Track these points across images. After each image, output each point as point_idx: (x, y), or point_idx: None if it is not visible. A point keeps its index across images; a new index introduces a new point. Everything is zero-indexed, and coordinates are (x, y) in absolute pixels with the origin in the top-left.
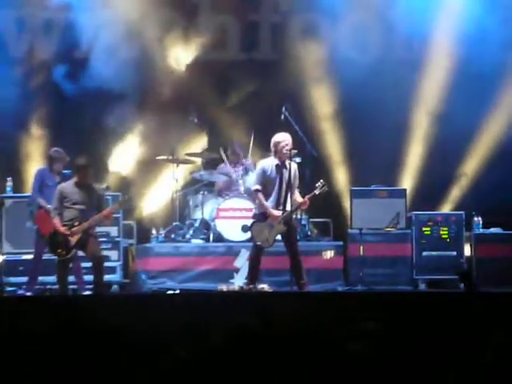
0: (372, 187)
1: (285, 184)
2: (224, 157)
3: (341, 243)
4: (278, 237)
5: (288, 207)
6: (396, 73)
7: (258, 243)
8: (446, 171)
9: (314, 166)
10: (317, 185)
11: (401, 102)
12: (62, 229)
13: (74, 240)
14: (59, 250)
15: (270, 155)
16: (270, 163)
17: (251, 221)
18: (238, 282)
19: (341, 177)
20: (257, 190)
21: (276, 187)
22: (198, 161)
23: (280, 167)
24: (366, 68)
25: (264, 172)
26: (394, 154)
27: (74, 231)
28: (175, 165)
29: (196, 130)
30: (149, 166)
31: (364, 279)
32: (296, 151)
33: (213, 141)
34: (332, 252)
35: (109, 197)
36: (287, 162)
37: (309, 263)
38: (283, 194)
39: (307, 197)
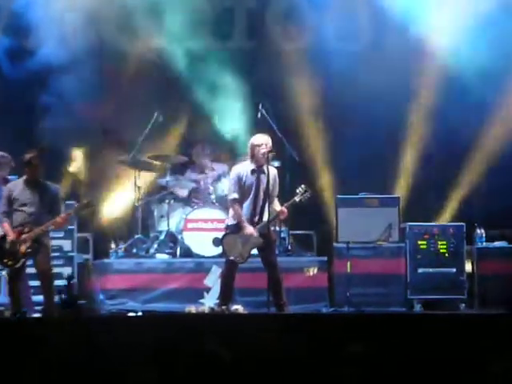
0: (361, 195)
1: (262, 191)
2: (197, 159)
3: (325, 259)
4: (254, 251)
5: (265, 217)
6: (388, 63)
7: (231, 258)
8: (443, 176)
9: (295, 170)
10: (297, 190)
11: (394, 96)
12: (12, 234)
13: (23, 249)
14: (5, 260)
15: (246, 159)
16: (245, 168)
17: (223, 233)
18: (209, 302)
19: (325, 183)
20: (234, 200)
21: (252, 195)
22: (164, 165)
23: (257, 172)
24: (355, 58)
25: (239, 178)
26: (385, 156)
27: (24, 238)
28: (137, 169)
29: (161, 130)
30: (107, 170)
31: (351, 300)
32: (274, 153)
33: (181, 142)
34: (315, 269)
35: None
36: (265, 167)
37: (289, 281)
38: (260, 202)
39: (286, 204)
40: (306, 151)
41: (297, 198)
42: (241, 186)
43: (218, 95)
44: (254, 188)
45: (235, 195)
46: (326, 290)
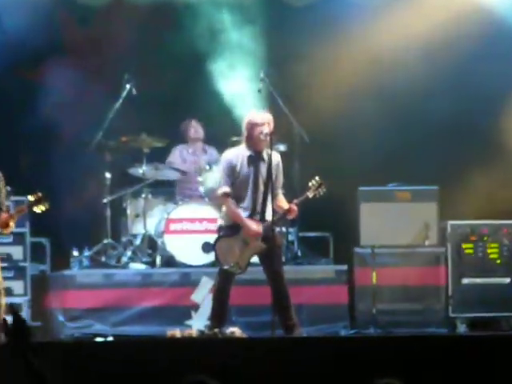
0: (389, 186)
1: (262, 183)
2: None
3: (344, 267)
4: (255, 259)
5: (268, 216)
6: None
7: (226, 268)
8: (494, 163)
9: (306, 157)
10: (310, 184)
11: (429, 63)
12: None
13: None
14: None
15: (240, 143)
16: (239, 154)
17: (215, 236)
18: (198, 324)
19: (345, 172)
20: (225, 194)
21: (250, 188)
22: (140, 150)
23: (255, 159)
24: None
25: (232, 167)
26: (419, 139)
27: None
28: (105, 155)
29: (135, 106)
30: (67, 156)
31: (378, 319)
32: (278, 136)
33: (160, 121)
34: (332, 280)
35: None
36: (266, 152)
37: (299, 296)
38: (260, 198)
39: (296, 201)
40: (320, 132)
41: (310, 194)
42: (234, 177)
43: (215, 56)
44: (251, 180)
45: (225, 188)
46: (346, 307)
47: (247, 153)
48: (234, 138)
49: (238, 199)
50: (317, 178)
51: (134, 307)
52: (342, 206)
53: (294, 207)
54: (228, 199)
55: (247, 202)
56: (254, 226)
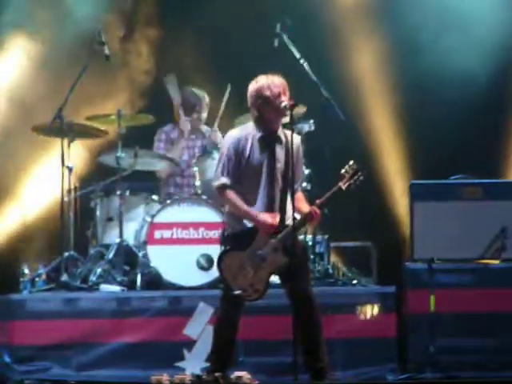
0: (452, 179)
1: (280, 175)
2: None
3: (392, 289)
4: (274, 277)
5: (288, 220)
6: None
7: (237, 293)
8: None
9: (340, 138)
10: (343, 171)
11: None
12: None
13: None
14: None
15: (247, 120)
16: (248, 134)
17: (216, 247)
18: (193, 366)
19: (391, 160)
20: (224, 187)
21: (263, 182)
22: (113, 132)
23: (269, 142)
24: None
25: (237, 152)
26: (490, 121)
27: None
28: (66, 139)
29: (108, 73)
30: (17, 140)
31: (437, 359)
32: (303, 110)
33: (143, 94)
34: (375, 307)
35: None
36: (282, 133)
37: (331, 329)
38: (277, 194)
39: (318, 202)
40: (361, 108)
41: (343, 185)
42: (241, 167)
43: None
44: (265, 170)
45: (224, 180)
46: (394, 343)
47: (258, 134)
48: (238, 119)
49: (248, 198)
50: (351, 162)
51: (107, 344)
52: (388, 206)
53: (316, 210)
54: (227, 192)
55: (260, 202)
56: (269, 219)
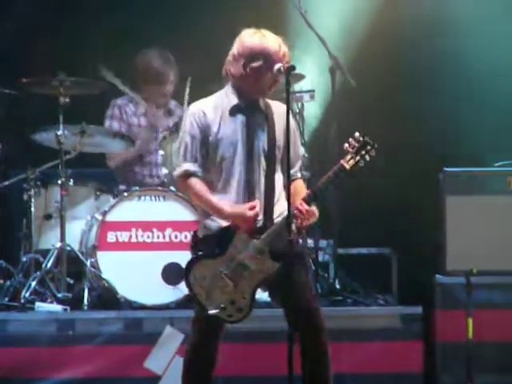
0: (496, 166)
1: (263, 155)
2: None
3: (419, 310)
4: (261, 295)
5: (277, 212)
6: None
7: (212, 312)
8: None
9: (350, 114)
10: (346, 145)
11: None
12: None
13: None
14: None
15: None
16: (219, 105)
17: (187, 254)
18: None
19: (417, 144)
20: (186, 175)
21: (238, 164)
22: (54, 100)
23: (245, 113)
24: None
25: (203, 127)
26: None
27: None
28: None
29: (45, 27)
30: None
31: None
32: (301, 78)
33: (94, 50)
34: (396, 333)
35: None
36: (262, 101)
37: (341, 361)
38: (256, 179)
39: (309, 192)
40: (376, 72)
41: (346, 163)
42: (208, 144)
43: None
44: (240, 150)
45: (186, 166)
46: (421, 381)
47: (232, 101)
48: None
49: (222, 184)
50: (356, 133)
51: (45, 380)
52: (413, 202)
53: (301, 208)
54: (192, 181)
55: (236, 189)
56: (245, 211)
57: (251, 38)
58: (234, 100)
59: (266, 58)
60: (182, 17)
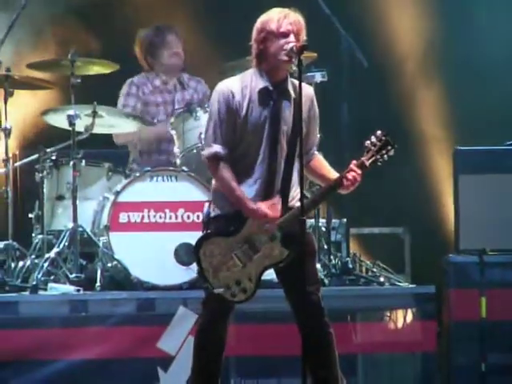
0: (509, 144)
1: (285, 138)
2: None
3: (432, 289)
4: (269, 275)
5: (294, 199)
6: None
7: (218, 291)
8: None
9: (364, 93)
10: (368, 143)
11: None
12: None
13: None
14: None
15: (246, 68)
16: (246, 86)
17: (200, 234)
18: None
19: (429, 123)
20: (216, 157)
21: (263, 148)
22: (65, 80)
23: (272, 96)
24: None
25: (231, 109)
26: None
27: None
28: (1, 92)
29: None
30: None
31: (490, 380)
32: (313, 56)
33: (104, 28)
34: (409, 312)
35: None
36: (291, 84)
37: (353, 341)
38: (279, 164)
39: (362, 160)
40: (389, 55)
41: (366, 160)
42: (236, 127)
43: None
44: (266, 133)
45: (217, 148)
46: (435, 360)
47: (259, 84)
48: (231, 63)
49: (242, 168)
50: (378, 132)
51: (56, 362)
52: (425, 180)
53: (357, 170)
54: (221, 167)
55: (257, 173)
56: (267, 211)
57: (271, 13)
58: (260, 83)
59: (264, 28)
60: None
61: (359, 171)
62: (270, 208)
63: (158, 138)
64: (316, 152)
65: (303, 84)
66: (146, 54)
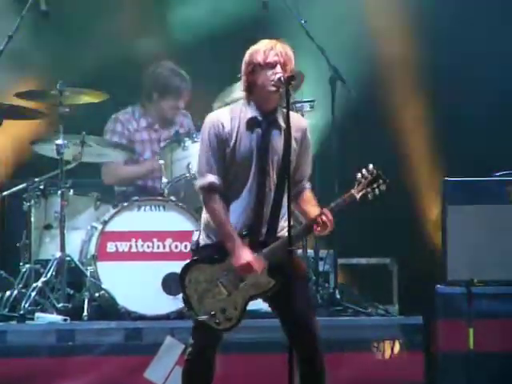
0: (496, 176)
1: (274, 168)
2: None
3: (419, 320)
4: (256, 304)
5: (283, 229)
6: None
7: (203, 318)
8: None
9: (350, 125)
10: (359, 176)
11: None
12: None
13: None
14: None
15: (235, 101)
16: (235, 117)
17: (186, 262)
18: None
19: (418, 154)
20: (211, 188)
21: (250, 179)
22: (54, 111)
23: (262, 126)
24: None
25: (221, 139)
26: None
27: None
28: None
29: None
30: None
31: None
32: (300, 77)
33: (93, 59)
34: (396, 343)
35: None
36: (281, 113)
37: (340, 371)
38: (271, 195)
39: (332, 205)
40: (376, 84)
41: (356, 193)
42: (225, 155)
43: None
44: (255, 162)
45: (211, 178)
46: None
47: (248, 114)
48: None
49: (232, 194)
50: (370, 166)
51: None
52: (414, 211)
53: (328, 215)
54: (214, 198)
55: (245, 202)
56: (246, 256)
57: (258, 44)
58: (250, 113)
59: (251, 60)
60: None
61: (330, 217)
62: (255, 261)
63: (147, 175)
64: (307, 185)
65: (297, 115)
66: (153, 90)
